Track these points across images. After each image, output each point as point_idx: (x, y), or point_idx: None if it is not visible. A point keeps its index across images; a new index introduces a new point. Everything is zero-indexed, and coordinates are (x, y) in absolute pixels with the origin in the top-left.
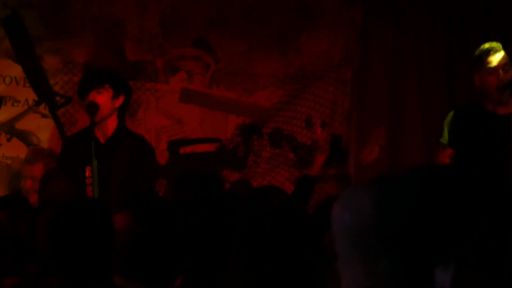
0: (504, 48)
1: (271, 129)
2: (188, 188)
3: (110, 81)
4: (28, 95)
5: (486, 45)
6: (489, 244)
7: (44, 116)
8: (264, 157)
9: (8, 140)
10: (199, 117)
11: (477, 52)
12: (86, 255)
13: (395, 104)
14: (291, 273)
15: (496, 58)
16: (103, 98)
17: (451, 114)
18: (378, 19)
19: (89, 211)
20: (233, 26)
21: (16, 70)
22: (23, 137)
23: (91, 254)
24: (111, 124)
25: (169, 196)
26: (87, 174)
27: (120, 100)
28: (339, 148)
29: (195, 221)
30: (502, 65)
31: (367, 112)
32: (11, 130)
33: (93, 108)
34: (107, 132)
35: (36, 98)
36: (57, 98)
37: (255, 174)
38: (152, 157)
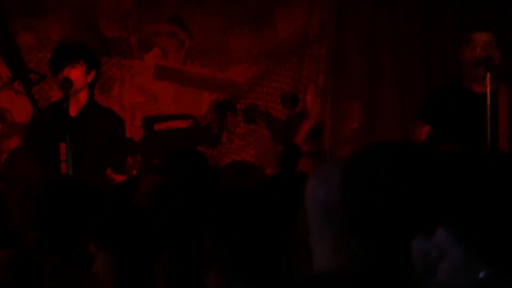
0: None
1: (246, 105)
2: (179, 166)
3: (84, 56)
4: (2, 72)
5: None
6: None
7: (18, 93)
8: (239, 133)
9: None
10: (174, 93)
11: None
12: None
13: (371, 80)
14: (263, 248)
15: (479, 35)
16: (77, 74)
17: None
18: None
19: (73, 186)
20: (208, 2)
21: None
22: None
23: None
24: (82, 98)
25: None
26: (61, 151)
27: (92, 74)
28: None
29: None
30: (482, 41)
31: (342, 88)
32: None
33: (67, 84)
34: (78, 106)
35: (10, 75)
36: (32, 75)
37: (228, 150)
38: (123, 129)
